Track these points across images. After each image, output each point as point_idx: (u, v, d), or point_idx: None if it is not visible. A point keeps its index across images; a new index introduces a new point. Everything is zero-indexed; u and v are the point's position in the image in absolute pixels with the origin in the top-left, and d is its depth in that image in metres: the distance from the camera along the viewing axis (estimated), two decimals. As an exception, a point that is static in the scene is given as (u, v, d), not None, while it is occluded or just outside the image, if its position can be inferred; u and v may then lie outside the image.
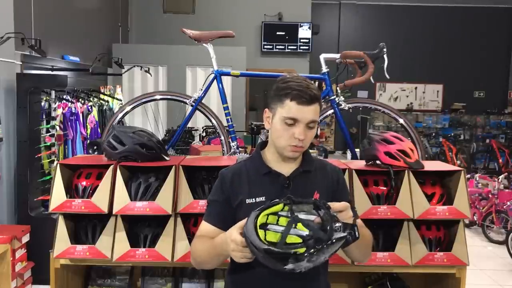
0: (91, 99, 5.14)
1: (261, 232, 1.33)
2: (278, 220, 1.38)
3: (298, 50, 9.71)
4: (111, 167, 2.13)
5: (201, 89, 2.99)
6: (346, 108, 2.99)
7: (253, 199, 1.56)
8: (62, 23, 5.82)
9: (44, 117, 4.19)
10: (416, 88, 12.39)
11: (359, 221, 1.66)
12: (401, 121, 3.01)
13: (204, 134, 6.71)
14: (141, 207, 2.08)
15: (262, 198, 1.55)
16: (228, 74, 3.09)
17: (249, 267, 1.56)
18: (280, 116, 1.53)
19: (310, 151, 1.75)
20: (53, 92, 4.27)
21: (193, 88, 7.79)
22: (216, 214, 1.61)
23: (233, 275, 1.65)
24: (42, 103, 4.16)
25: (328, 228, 1.31)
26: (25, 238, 3.62)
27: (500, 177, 5.94)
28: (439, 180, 2.26)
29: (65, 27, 5.91)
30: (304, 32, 9.63)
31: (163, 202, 2.08)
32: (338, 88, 2.98)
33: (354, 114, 10.92)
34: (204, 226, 1.62)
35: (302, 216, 1.36)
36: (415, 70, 11.98)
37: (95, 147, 2.97)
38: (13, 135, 3.95)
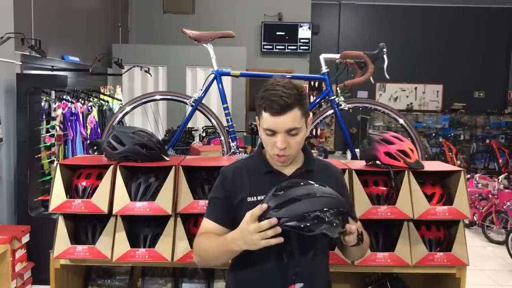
0: (91, 99, 5.14)
1: None
2: None
3: (298, 50, 9.71)
4: (111, 167, 2.13)
5: (201, 89, 2.99)
6: (346, 108, 2.99)
7: (254, 198, 1.56)
8: (62, 23, 5.82)
9: (44, 117, 4.19)
10: (416, 88, 12.39)
11: (358, 224, 1.67)
12: (401, 121, 3.01)
13: (204, 134, 6.71)
14: (141, 207, 2.08)
15: (263, 197, 1.53)
16: (228, 74, 3.08)
17: (250, 266, 1.57)
18: (261, 127, 1.56)
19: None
20: (53, 92, 4.27)
21: (193, 88, 7.79)
22: (218, 211, 1.60)
23: (234, 274, 1.65)
24: (42, 103, 4.16)
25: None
26: (25, 238, 3.62)
27: (500, 177, 5.94)
28: (439, 180, 2.26)
29: (65, 27, 5.91)
30: (304, 32, 9.63)
31: (163, 202, 2.08)
32: (338, 88, 2.98)
33: (354, 114, 10.92)
34: (206, 224, 1.61)
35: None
36: (415, 70, 11.98)
37: (95, 147, 2.97)
38: (13, 135, 3.95)
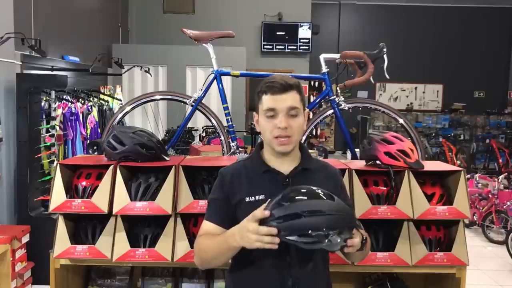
0: (91, 99, 5.14)
1: None
2: None
3: (298, 50, 9.71)
4: (111, 167, 2.13)
5: (201, 89, 2.99)
6: (346, 108, 2.99)
7: (253, 197, 1.57)
8: (62, 23, 5.82)
9: (44, 117, 4.18)
10: (416, 88, 12.39)
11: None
12: (401, 121, 3.01)
13: (204, 134, 6.71)
14: (141, 207, 2.08)
15: (262, 196, 1.55)
16: (228, 74, 3.08)
17: (250, 266, 1.57)
18: (261, 112, 1.59)
19: (310, 151, 1.75)
20: (53, 92, 4.27)
21: (193, 88, 7.79)
22: (218, 213, 1.61)
23: (234, 275, 1.65)
24: (42, 103, 4.16)
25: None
26: (25, 238, 3.62)
27: (500, 177, 5.94)
28: (439, 180, 2.26)
29: (65, 27, 5.92)
30: (304, 32, 9.63)
31: (163, 202, 2.08)
32: (338, 88, 2.98)
33: (354, 114, 10.92)
34: (206, 226, 1.61)
35: None
36: (415, 70, 11.98)
37: (95, 147, 2.97)
38: (13, 135, 3.95)
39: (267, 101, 1.56)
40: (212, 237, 1.56)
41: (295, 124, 1.55)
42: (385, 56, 2.89)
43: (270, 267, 1.53)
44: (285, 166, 1.62)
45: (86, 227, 2.18)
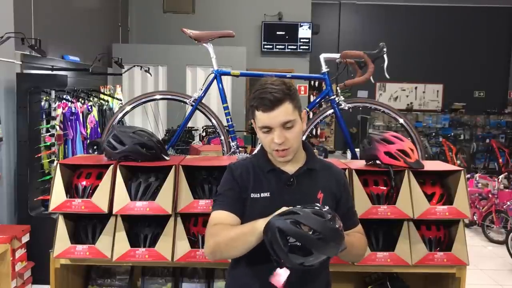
0: (91, 99, 5.14)
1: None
2: None
3: (298, 50, 9.71)
4: (111, 167, 2.13)
5: (201, 89, 2.99)
6: (346, 108, 2.99)
7: (258, 194, 1.59)
8: (62, 23, 5.82)
9: (44, 117, 4.18)
10: (416, 88, 12.39)
11: (357, 227, 1.71)
12: (401, 121, 3.01)
13: (204, 134, 6.72)
14: (141, 207, 2.08)
15: (267, 194, 1.58)
16: (228, 74, 3.08)
17: (250, 265, 1.57)
18: (257, 127, 1.59)
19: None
20: (53, 92, 4.27)
21: (193, 88, 7.79)
22: (231, 201, 1.59)
23: (234, 274, 1.65)
24: (42, 103, 4.16)
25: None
26: (25, 238, 3.62)
27: (500, 177, 5.94)
28: (439, 180, 2.26)
29: (65, 27, 5.91)
30: (304, 32, 9.63)
31: (163, 202, 2.08)
32: (338, 88, 2.97)
33: (354, 114, 10.92)
34: (219, 214, 1.58)
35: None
36: (415, 70, 11.98)
37: (95, 147, 2.97)
38: (13, 135, 3.95)
39: (260, 118, 1.54)
40: (233, 227, 1.53)
41: (292, 136, 1.55)
42: (385, 56, 2.88)
43: (269, 265, 1.53)
44: (290, 166, 1.63)
45: (86, 226, 2.18)
